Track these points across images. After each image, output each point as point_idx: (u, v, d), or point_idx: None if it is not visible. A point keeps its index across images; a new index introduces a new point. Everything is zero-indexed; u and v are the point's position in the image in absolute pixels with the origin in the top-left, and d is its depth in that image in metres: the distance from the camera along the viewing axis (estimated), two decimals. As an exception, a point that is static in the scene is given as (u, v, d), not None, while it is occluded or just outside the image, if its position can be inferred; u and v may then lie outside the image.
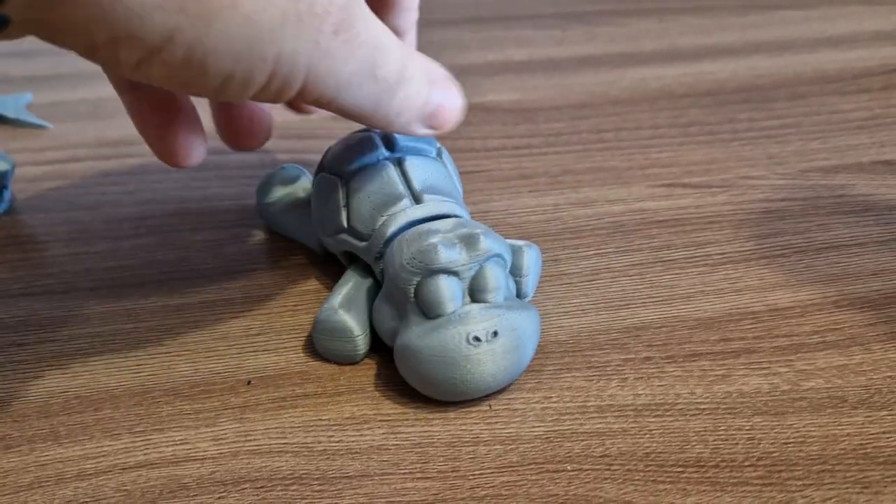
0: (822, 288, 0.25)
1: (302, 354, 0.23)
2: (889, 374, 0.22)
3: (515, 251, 0.23)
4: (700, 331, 0.23)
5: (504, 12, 0.47)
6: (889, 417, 0.20)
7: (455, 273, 0.20)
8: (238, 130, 0.25)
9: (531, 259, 0.23)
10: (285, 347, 0.23)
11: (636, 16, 0.46)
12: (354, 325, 0.22)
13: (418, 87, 0.21)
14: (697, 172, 0.31)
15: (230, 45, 0.17)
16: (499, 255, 0.21)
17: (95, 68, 0.35)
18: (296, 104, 0.25)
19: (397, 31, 0.24)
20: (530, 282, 0.23)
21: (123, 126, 0.35)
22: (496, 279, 0.21)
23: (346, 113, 0.20)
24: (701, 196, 0.29)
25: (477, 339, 0.20)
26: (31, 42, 0.43)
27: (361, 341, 0.22)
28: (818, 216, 0.28)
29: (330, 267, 0.26)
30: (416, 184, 0.23)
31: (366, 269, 0.23)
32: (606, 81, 0.38)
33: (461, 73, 0.42)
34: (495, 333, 0.20)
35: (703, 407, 0.21)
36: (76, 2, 0.15)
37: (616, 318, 0.24)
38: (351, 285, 0.23)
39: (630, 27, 0.45)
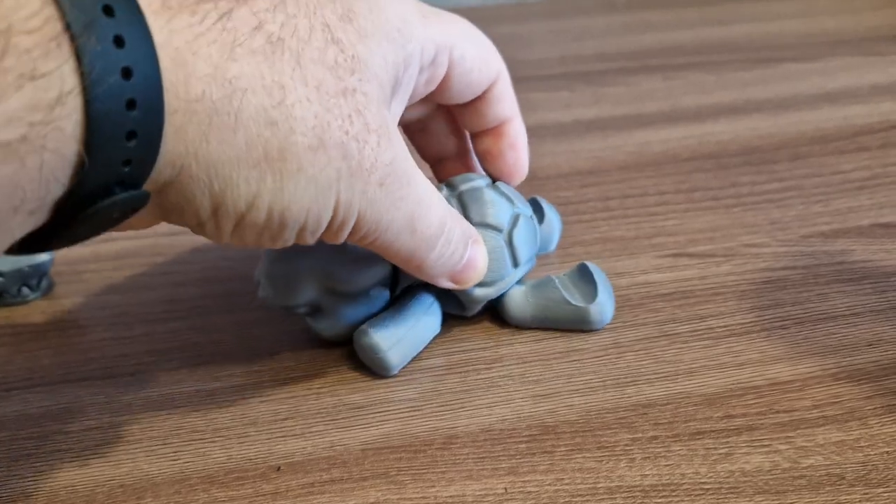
0: (821, 360, 0.26)
1: (328, 438, 0.24)
2: (886, 449, 0.23)
3: None
4: (704, 407, 0.24)
5: (514, 73, 0.49)
6: (885, 494, 0.21)
7: None
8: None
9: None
10: (312, 432, 0.24)
11: (642, 73, 0.48)
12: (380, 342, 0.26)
13: (455, 247, 0.24)
14: (702, 241, 0.32)
15: (301, 202, 0.20)
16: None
17: None
18: None
19: (498, 120, 0.27)
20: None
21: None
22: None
23: (388, 256, 0.23)
24: (705, 266, 0.30)
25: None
26: None
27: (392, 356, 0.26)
28: (817, 285, 0.29)
29: (352, 348, 0.27)
30: None
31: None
32: (613, 146, 0.40)
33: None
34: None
35: (707, 487, 0.22)
36: (183, 184, 0.18)
37: (623, 396, 0.25)
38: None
39: (635, 87, 0.46)
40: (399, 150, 0.22)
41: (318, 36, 0.20)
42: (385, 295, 0.27)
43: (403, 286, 0.27)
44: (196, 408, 0.25)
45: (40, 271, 0.30)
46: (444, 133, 0.29)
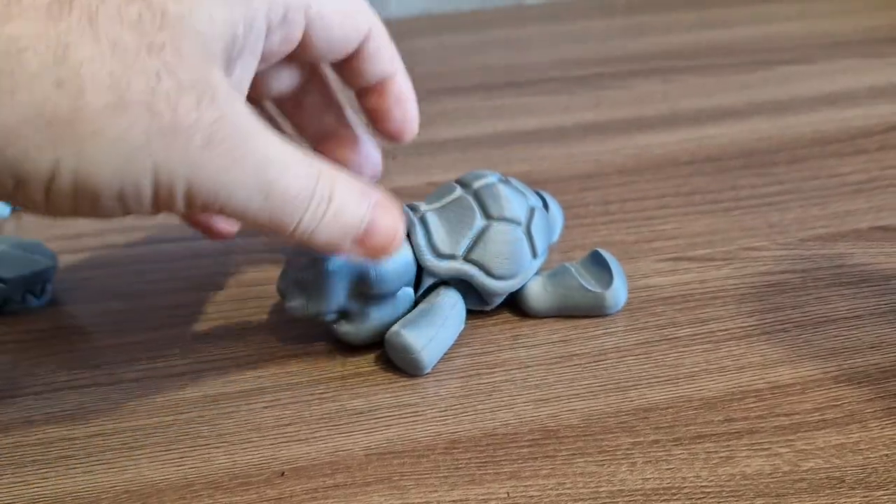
0: (822, 363, 0.26)
1: (331, 444, 0.24)
2: (885, 452, 0.23)
3: None
4: (705, 411, 0.24)
5: (513, 78, 0.49)
6: (885, 497, 0.21)
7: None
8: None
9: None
10: (315, 437, 0.25)
11: (641, 76, 0.48)
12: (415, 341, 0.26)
13: (340, 208, 0.22)
14: (701, 244, 0.32)
15: (108, 166, 0.19)
16: None
17: None
18: (203, 225, 0.28)
19: (377, 77, 0.26)
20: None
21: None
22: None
23: (250, 225, 0.22)
24: (705, 270, 0.31)
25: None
26: None
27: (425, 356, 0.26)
28: (817, 288, 0.29)
29: (354, 353, 0.27)
30: None
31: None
32: (612, 149, 0.40)
33: (473, 145, 0.44)
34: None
35: (708, 490, 0.22)
36: None
37: (625, 400, 0.25)
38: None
39: (634, 90, 0.46)
40: (229, 109, 0.20)
41: None
42: (410, 295, 0.27)
43: (426, 285, 0.28)
44: (200, 414, 0.26)
45: (43, 278, 0.31)
46: (319, 107, 0.28)
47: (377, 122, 0.27)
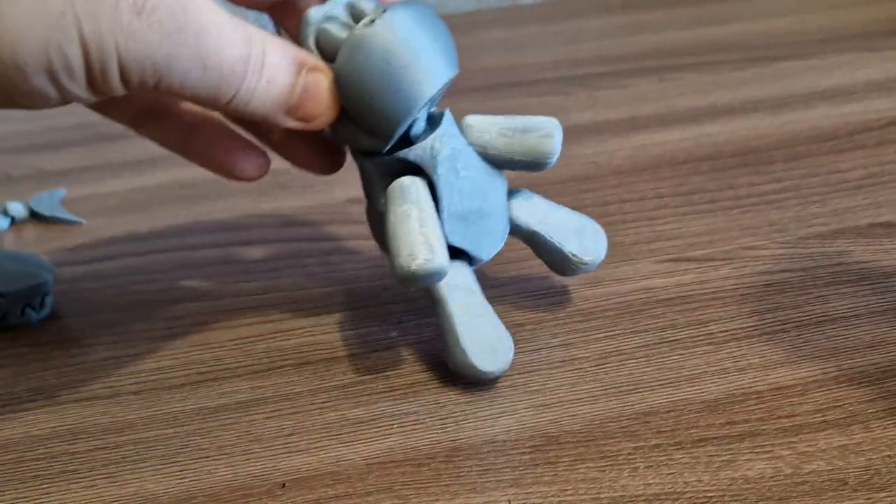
0: (822, 363, 0.26)
1: (332, 454, 0.24)
2: (888, 453, 0.23)
3: (542, 136, 0.26)
4: (706, 414, 0.24)
5: (510, 79, 0.49)
6: (888, 499, 0.21)
7: (333, 17, 0.23)
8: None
9: (559, 142, 0.27)
10: (316, 447, 0.24)
11: (637, 75, 0.48)
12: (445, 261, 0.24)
13: (274, 74, 0.21)
14: (700, 245, 0.32)
15: (30, 32, 0.18)
16: None
17: (124, 159, 0.38)
18: (225, 166, 0.26)
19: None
20: None
21: (152, 218, 0.38)
22: (368, 3, 0.23)
23: (188, 100, 0.21)
24: (704, 271, 0.31)
25: (368, 24, 0.22)
26: (63, 134, 0.46)
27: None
28: (816, 287, 0.29)
29: (354, 362, 0.27)
30: None
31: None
32: (609, 150, 0.40)
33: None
34: (384, 12, 0.22)
35: (710, 494, 0.22)
36: None
37: (626, 404, 0.25)
38: (415, 218, 0.24)
39: (631, 89, 0.46)
40: None
41: None
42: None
43: None
44: (200, 425, 0.26)
45: (42, 291, 0.31)
46: None
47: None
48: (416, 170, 0.25)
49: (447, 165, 0.25)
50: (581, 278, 0.31)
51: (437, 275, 0.24)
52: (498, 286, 0.31)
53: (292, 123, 0.22)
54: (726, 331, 0.28)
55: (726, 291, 0.29)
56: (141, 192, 0.40)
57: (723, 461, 0.23)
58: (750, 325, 0.28)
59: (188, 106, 0.26)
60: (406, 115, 0.23)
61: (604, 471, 0.23)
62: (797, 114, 0.42)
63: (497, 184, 0.27)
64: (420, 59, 0.22)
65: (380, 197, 0.25)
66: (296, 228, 0.36)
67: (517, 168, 0.27)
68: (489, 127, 0.26)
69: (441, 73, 0.23)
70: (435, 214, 0.24)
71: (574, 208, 0.35)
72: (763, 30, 0.53)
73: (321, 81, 0.22)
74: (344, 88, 0.22)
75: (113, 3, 0.18)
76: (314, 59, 0.23)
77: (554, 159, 0.26)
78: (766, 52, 0.50)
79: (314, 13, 0.23)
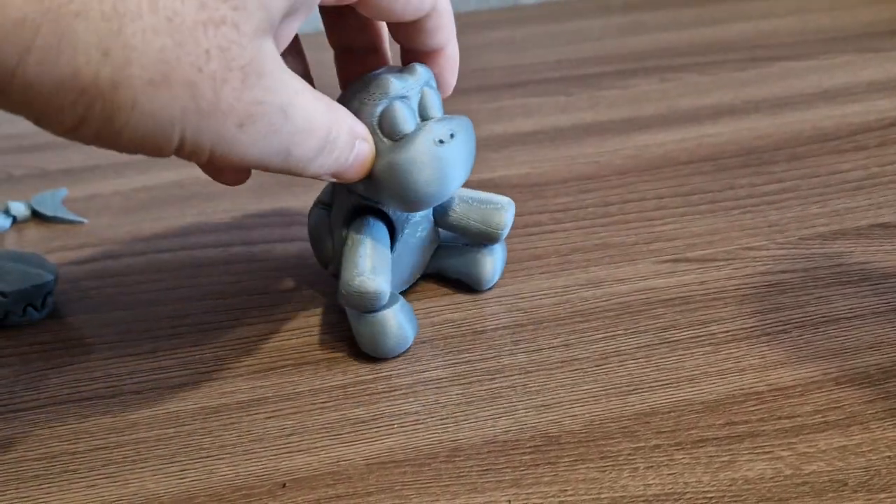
0: (822, 364, 0.26)
1: (333, 454, 0.24)
2: (888, 454, 0.23)
3: (496, 207, 0.29)
4: (706, 414, 0.24)
5: (511, 79, 0.49)
6: (888, 500, 0.21)
7: (406, 97, 0.25)
8: None
9: (510, 216, 0.29)
10: (317, 447, 0.25)
11: (639, 76, 0.48)
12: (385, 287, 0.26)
13: (341, 151, 0.23)
14: (701, 245, 0.32)
15: (134, 133, 0.19)
16: (431, 78, 0.26)
17: (127, 159, 0.38)
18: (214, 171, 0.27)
19: (432, 48, 0.26)
20: (505, 233, 0.29)
21: (155, 218, 0.38)
22: (437, 99, 0.26)
23: (259, 169, 0.22)
24: (705, 271, 0.31)
25: (441, 141, 0.25)
26: None
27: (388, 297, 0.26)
28: (817, 288, 0.29)
29: (354, 361, 0.28)
30: None
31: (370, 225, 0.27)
32: (610, 150, 0.40)
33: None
34: (452, 135, 0.25)
35: (710, 495, 0.22)
36: (12, 88, 0.18)
37: (626, 405, 0.25)
38: (369, 246, 0.26)
39: (632, 89, 0.46)
40: (272, 85, 0.20)
41: None
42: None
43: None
44: (202, 425, 0.26)
45: (44, 291, 0.31)
46: (358, 28, 0.27)
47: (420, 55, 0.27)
48: (386, 219, 0.27)
49: (412, 227, 0.28)
50: (582, 279, 0.31)
51: (378, 296, 0.26)
52: (496, 286, 0.31)
53: (330, 178, 0.24)
54: (727, 331, 0.28)
55: (727, 292, 0.29)
56: (143, 192, 0.40)
57: (723, 462, 0.23)
58: (750, 325, 0.28)
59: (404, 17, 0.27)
60: (432, 205, 0.27)
61: (604, 471, 0.23)
62: (798, 114, 0.42)
63: (432, 248, 0.30)
64: (462, 170, 0.26)
65: (343, 216, 0.28)
66: (298, 229, 0.36)
67: (470, 236, 0.29)
68: (455, 192, 0.29)
69: (467, 174, 0.27)
70: (388, 251, 0.27)
71: (575, 209, 0.35)
72: (764, 30, 0.53)
73: (368, 152, 0.25)
74: (394, 174, 0.25)
75: (222, 118, 0.20)
76: (364, 131, 0.24)
77: (505, 232, 0.29)
78: (767, 53, 0.50)
79: (396, 85, 0.25)
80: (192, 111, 0.19)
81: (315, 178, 0.24)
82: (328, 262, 0.29)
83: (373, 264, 0.26)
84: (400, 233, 0.28)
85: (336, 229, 0.28)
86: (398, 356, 0.28)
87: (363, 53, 0.28)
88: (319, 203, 0.30)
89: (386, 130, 0.25)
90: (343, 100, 0.26)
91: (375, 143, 0.25)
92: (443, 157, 0.25)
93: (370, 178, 0.25)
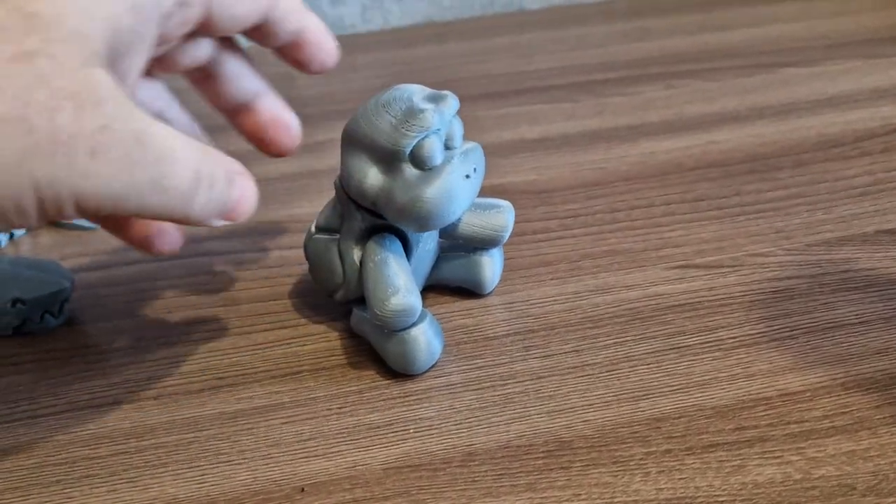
0: (830, 369, 0.26)
1: (349, 458, 0.25)
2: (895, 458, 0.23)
3: (497, 210, 0.30)
4: (716, 420, 0.25)
5: (516, 86, 0.50)
6: (896, 503, 0.22)
7: (440, 130, 0.26)
8: (262, 139, 0.28)
9: (511, 218, 0.30)
10: (333, 452, 0.25)
11: (644, 82, 0.48)
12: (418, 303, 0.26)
13: (220, 188, 0.23)
14: (709, 251, 0.33)
15: None
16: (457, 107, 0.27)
17: None
18: (139, 242, 0.27)
19: (295, 33, 0.26)
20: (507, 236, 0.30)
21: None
22: (460, 128, 0.27)
23: (145, 219, 0.22)
24: (713, 278, 0.31)
25: (468, 175, 0.26)
26: None
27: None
28: (823, 294, 0.30)
29: (369, 367, 0.28)
30: None
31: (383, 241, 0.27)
32: (617, 156, 0.40)
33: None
34: (475, 169, 0.27)
35: (721, 500, 0.22)
36: None
37: (637, 410, 0.25)
38: (394, 264, 0.27)
39: (638, 96, 0.47)
40: (114, 112, 0.20)
41: None
42: None
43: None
44: (220, 430, 0.26)
45: (61, 298, 0.31)
46: (233, 76, 0.27)
47: (303, 67, 0.27)
48: (401, 235, 0.28)
49: (423, 240, 0.29)
50: (591, 285, 0.31)
51: (414, 312, 0.26)
52: (506, 293, 0.31)
53: (221, 223, 0.24)
54: (735, 337, 0.28)
55: (734, 298, 0.30)
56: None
57: (733, 466, 0.23)
58: (758, 331, 0.28)
59: (267, 45, 0.27)
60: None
61: (616, 475, 0.23)
62: (803, 121, 0.42)
63: (434, 259, 0.31)
64: (476, 194, 0.28)
65: (355, 238, 0.28)
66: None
67: (475, 243, 0.30)
68: None
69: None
70: (408, 265, 0.27)
71: (583, 215, 0.36)
72: (769, 36, 0.54)
73: (250, 187, 0.24)
74: (423, 206, 0.25)
75: (68, 150, 0.19)
76: (240, 166, 0.24)
77: (507, 233, 0.30)
78: (772, 59, 0.50)
79: (435, 120, 0.25)
80: (31, 147, 0.18)
81: (202, 223, 0.23)
82: (336, 289, 0.28)
83: (404, 281, 0.26)
84: (416, 248, 0.28)
85: (347, 253, 0.28)
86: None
87: (255, 97, 0.27)
88: (321, 230, 0.29)
89: (416, 161, 0.26)
90: (368, 113, 0.26)
91: (402, 170, 0.25)
92: (468, 190, 0.26)
93: (394, 206, 0.26)
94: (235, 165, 0.24)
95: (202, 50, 0.26)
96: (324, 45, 0.27)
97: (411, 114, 0.25)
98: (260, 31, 0.25)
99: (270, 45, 0.26)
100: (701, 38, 0.55)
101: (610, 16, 0.61)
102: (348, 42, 0.63)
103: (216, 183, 0.23)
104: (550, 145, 0.42)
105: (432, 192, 0.25)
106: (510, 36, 0.59)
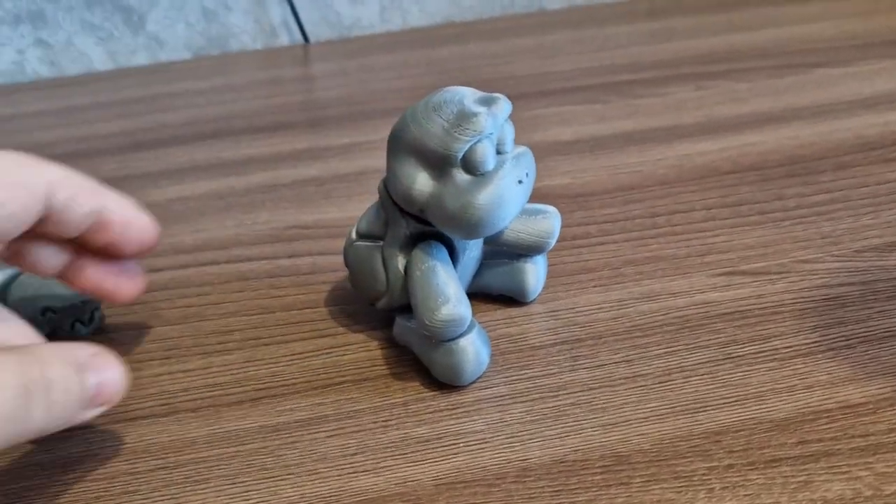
0: (891, 380, 0.26)
1: (399, 474, 0.24)
2: (967, 473, 0.22)
3: (543, 216, 0.29)
4: (777, 433, 0.24)
5: (543, 87, 0.49)
6: (972, 521, 0.21)
7: (492, 134, 0.25)
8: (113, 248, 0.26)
9: (558, 224, 0.29)
10: (382, 467, 0.24)
11: (674, 83, 0.48)
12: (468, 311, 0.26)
13: (63, 387, 0.21)
14: (754, 258, 0.32)
15: None
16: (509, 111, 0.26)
17: (159, 169, 0.37)
18: (100, 292, 0.27)
19: (92, 214, 0.25)
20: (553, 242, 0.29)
21: (195, 230, 0.37)
22: (511, 132, 0.26)
23: None
24: (761, 285, 0.30)
25: (520, 181, 0.25)
26: (97, 143, 0.45)
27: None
28: (877, 301, 0.29)
29: (414, 378, 0.27)
30: None
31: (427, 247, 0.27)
32: (653, 159, 0.40)
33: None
34: (527, 174, 0.26)
35: (790, 517, 0.22)
36: None
37: (694, 423, 0.25)
38: (443, 272, 0.26)
39: (669, 97, 0.46)
40: None
41: None
42: None
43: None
44: (263, 444, 0.25)
45: (92, 306, 0.30)
46: (49, 251, 0.26)
47: (119, 250, 0.26)
48: (447, 242, 0.27)
49: (469, 248, 0.28)
50: (636, 292, 0.30)
51: (464, 322, 0.25)
52: (549, 300, 0.30)
53: (93, 414, 0.22)
54: (789, 347, 0.27)
55: (784, 306, 0.29)
56: (179, 203, 0.40)
57: (799, 482, 0.23)
58: (813, 340, 0.27)
59: (66, 234, 0.25)
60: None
61: (679, 492, 0.23)
62: (840, 122, 0.41)
63: (476, 266, 0.30)
64: (526, 201, 0.27)
65: (400, 245, 0.27)
66: (342, 241, 0.35)
67: (520, 250, 0.29)
68: None
69: None
70: (456, 274, 0.27)
71: (622, 220, 0.35)
72: (797, 36, 0.53)
73: (111, 365, 0.22)
74: (475, 212, 0.25)
75: None
76: (92, 348, 0.22)
77: (554, 240, 0.29)
78: (802, 59, 0.49)
79: (488, 123, 0.25)
80: None
81: (57, 429, 0.21)
82: (379, 297, 0.28)
83: (454, 290, 0.25)
84: (461, 255, 0.27)
85: (391, 260, 0.27)
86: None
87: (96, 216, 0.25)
88: (363, 237, 0.28)
89: (468, 166, 0.25)
90: (418, 116, 0.25)
91: (452, 175, 0.25)
92: (520, 196, 0.26)
93: (444, 212, 0.25)
94: (82, 350, 0.22)
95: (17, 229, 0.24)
96: (134, 222, 0.25)
97: (463, 117, 0.24)
98: (51, 223, 0.24)
99: (69, 235, 0.25)
100: (727, 39, 0.54)
101: (632, 16, 0.60)
102: (367, 43, 0.62)
103: (54, 384, 0.21)
104: (584, 147, 0.41)
105: (484, 198, 0.24)
106: (532, 36, 0.58)
